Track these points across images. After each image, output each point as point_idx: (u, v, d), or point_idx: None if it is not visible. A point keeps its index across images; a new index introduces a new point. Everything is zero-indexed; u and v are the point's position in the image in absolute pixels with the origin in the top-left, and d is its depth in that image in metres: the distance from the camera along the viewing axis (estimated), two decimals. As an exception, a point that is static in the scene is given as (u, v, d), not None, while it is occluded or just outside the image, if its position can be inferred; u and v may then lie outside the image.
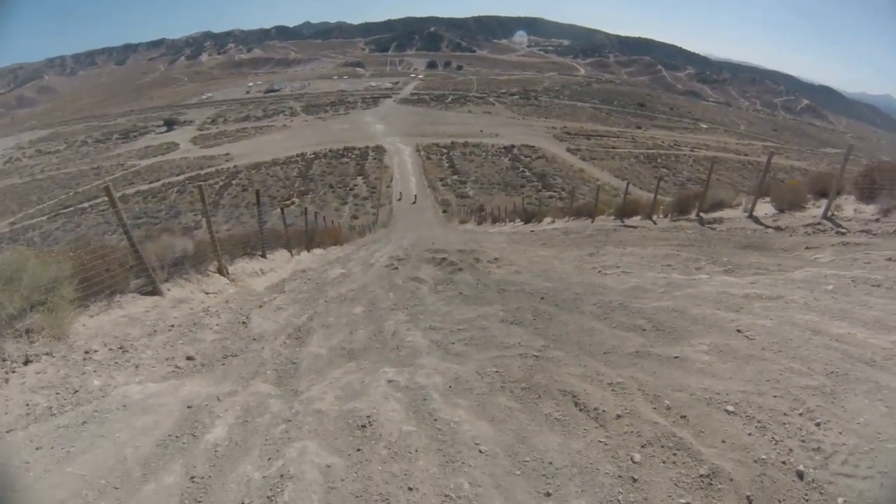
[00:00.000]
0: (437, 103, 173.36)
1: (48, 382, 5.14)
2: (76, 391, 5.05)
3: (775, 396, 4.09)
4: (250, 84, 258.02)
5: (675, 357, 4.93)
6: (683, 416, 3.94)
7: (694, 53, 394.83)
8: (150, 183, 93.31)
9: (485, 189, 75.26)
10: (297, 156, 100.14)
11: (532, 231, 23.38)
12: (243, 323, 7.66)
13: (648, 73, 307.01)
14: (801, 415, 3.83)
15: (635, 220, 19.92)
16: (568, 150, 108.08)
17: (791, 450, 3.49)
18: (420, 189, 74.87)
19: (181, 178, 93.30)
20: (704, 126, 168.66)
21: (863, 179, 13.51)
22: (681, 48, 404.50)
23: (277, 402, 4.71)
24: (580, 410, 4.07)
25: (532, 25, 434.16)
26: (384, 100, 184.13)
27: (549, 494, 3.24)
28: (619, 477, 3.29)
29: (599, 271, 10.24)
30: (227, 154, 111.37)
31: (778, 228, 13.09)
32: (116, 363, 5.71)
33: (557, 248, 14.86)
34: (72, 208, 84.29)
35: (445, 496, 3.24)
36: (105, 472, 3.69)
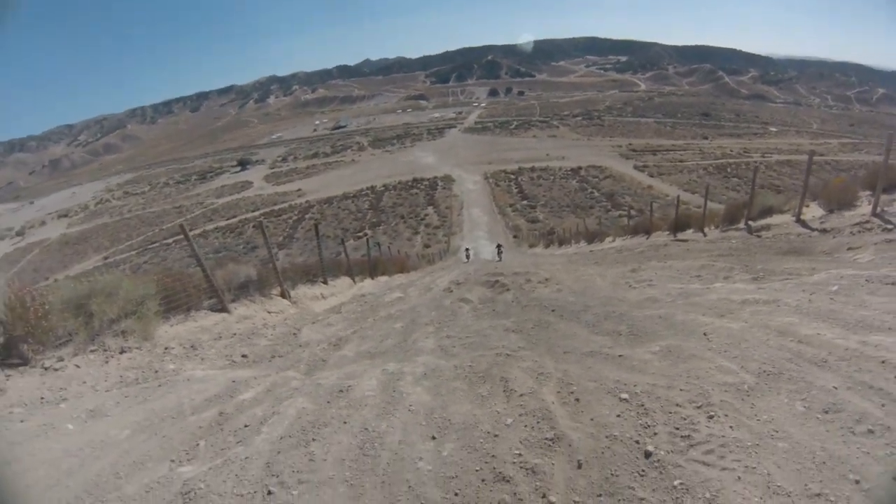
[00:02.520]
0: (502, 130, 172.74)
1: (137, 365, 7.12)
2: (156, 371, 6.99)
3: (682, 390, 4.38)
4: (317, 122, 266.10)
5: (620, 356, 5.41)
6: (577, 399, 4.46)
7: (755, 55, 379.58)
8: (228, 220, 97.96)
9: (555, 212, 74.52)
10: (367, 189, 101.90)
11: (591, 251, 23.64)
12: (294, 334, 9.19)
13: (710, 81, 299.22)
14: (698, 407, 4.07)
15: (688, 233, 19.92)
16: (635, 167, 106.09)
17: (656, 434, 3.82)
18: (490, 216, 74.71)
19: (256, 213, 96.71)
20: (774, 129, 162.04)
21: (921, 169, 12.59)
22: (741, 51, 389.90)
23: (297, 381, 6.08)
24: (503, 391, 4.77)
25: (589, 46, 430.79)
26: (449, 130, 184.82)
27: (433, 438, 4.13)
28: (488, 433, 4.04)
29: (631, 286, 10.49)
30: (300, 190, 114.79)
31: (824, 231, 12.77)
32: (188, 356, 7.61)
33: (605, 266, 14.96)
34: (157, 244, 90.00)
35: (364, 429, 4.36)
36: (167, 410, 5.43)
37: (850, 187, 14.55)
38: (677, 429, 3.84)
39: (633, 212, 43.58)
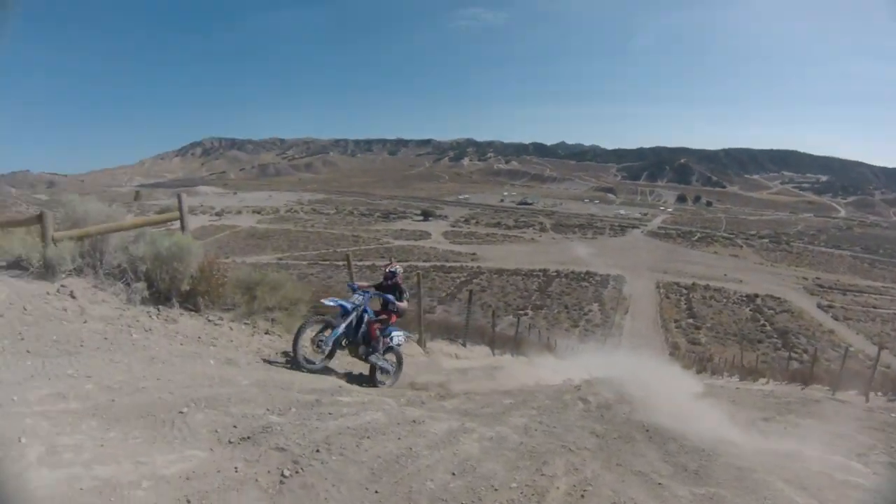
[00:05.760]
0: (684, 240, 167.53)
1: (276, 348, 9.02)
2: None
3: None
4: (505, 193, 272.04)
5: (660, 484, 5.52)
6: (582, 496, 4.86)
7: None
8: (398, 261, 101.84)
9: (719, 338, 71.79)
10: (540, 270, 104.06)
11: (737, 388, 22.68)
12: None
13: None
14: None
15: (849, 394, 18.82)
16: (818, 305, 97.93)
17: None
18: (652, 327, 73.30)
19: (427, 264, 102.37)
20: None
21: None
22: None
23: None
24: (535, 469, 5.28)
25: (785, 159, 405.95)
26: (632, 230, 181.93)
27: (453, 474, 4.76)
28: (491, 486, 4.69)
29: (748, 433, 10.09)
30: (475, 254, 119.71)
31: None
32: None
33: (740, 407, 14.28)
34: (329, 262, 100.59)
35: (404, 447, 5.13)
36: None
37: None
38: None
39: (805, 356, 40.87)
